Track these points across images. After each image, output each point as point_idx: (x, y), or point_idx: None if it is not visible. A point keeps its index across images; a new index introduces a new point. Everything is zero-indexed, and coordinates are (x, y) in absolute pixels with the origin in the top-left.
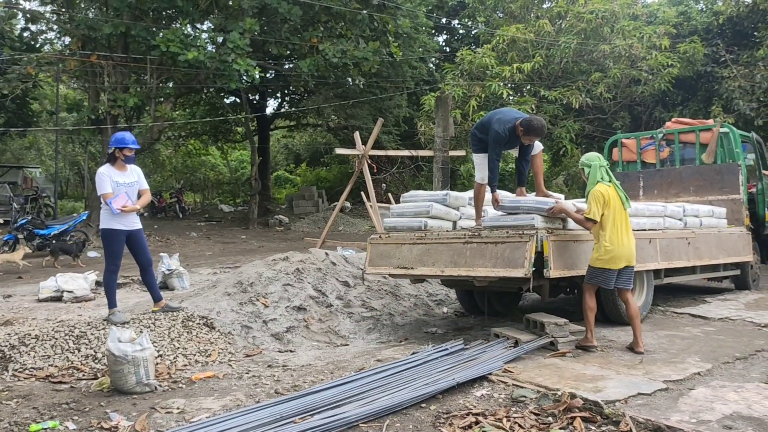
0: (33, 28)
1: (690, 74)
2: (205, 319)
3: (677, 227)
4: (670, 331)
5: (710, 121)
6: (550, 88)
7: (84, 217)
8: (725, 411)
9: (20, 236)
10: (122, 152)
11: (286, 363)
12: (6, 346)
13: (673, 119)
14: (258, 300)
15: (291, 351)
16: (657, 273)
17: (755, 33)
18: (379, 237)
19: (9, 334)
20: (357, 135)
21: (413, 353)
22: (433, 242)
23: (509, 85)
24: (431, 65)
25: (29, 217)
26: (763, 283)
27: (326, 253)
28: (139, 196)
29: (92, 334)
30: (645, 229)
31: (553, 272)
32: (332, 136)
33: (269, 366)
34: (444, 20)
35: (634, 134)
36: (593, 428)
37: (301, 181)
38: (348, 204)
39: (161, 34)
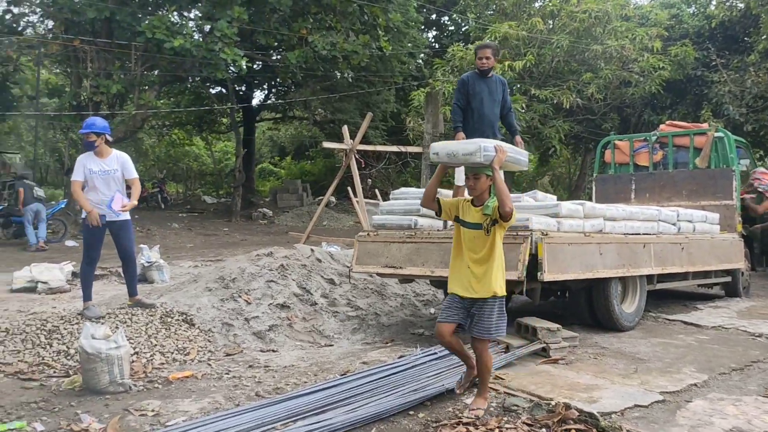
0: (15, 10)
1: (680, 77)
2: (184, 316)
3: (671, 232)
4: (663, 338)
5: (705, 125)
6: (540, 87)
7: (62, 205)
8: (725, 426)
9: None
10: (86, 137)
11: (268, 363)
12: None
13: (667, 122)
14: (240, 296)
15: (273, 351)
16: (650, 278)
17: (746, 38)
18: (367, 234)
19: None
20: (345, 129)
21: (400, 356)
22: (423, 241)
23: None
24: (420, 61)
25: (5, 204)
26: (753, 291)
27: (312, 250)
28: (128, 186)
29: (65, 328)
30: (639, 233)
31: (548, 275)
32: (318, 130)
33: (250, 366)
34: (434, 16)
35: (628, 136)
36: None
37: (286, 174)
38: (333, 199)
39: (147, 20)
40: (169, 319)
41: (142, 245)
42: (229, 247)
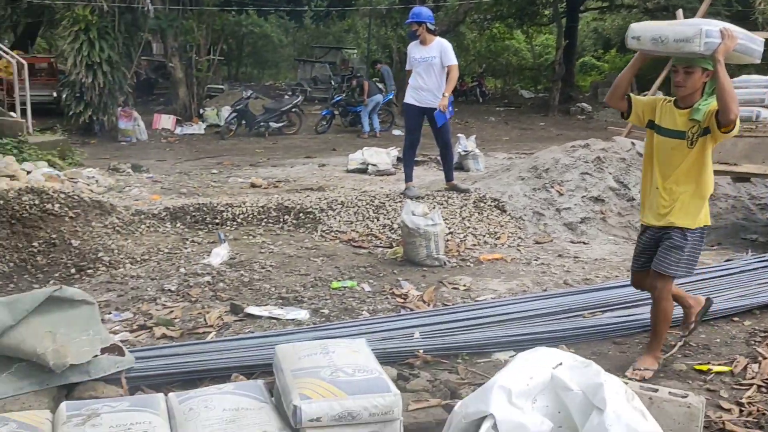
0: None
1: None
2: (496, 202)
3: None
4: None
5: None
6: None
7: (390, 97)
8: None
9: (336, 112)
10: (409, 27)
11: (578, 254)
12: (317, 209)
13: None
14: (552, 187)
15: (584, 243)
16: None
17: None
18: None
19: (320, 198)
20: (680, 13)
21: (727, 260)
22: (766, 136)
23: None
24: None
25: (344, 96)
26: None
27: (632, 143)
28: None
29: (390, 205)
30: None
31: None
32: (649, 18)
33: (559, 255)
34: None
35: None
36: None
37: (609, 68)
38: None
39: None
40: (482, 204)
41: (459, 135)
42: (543, 141)
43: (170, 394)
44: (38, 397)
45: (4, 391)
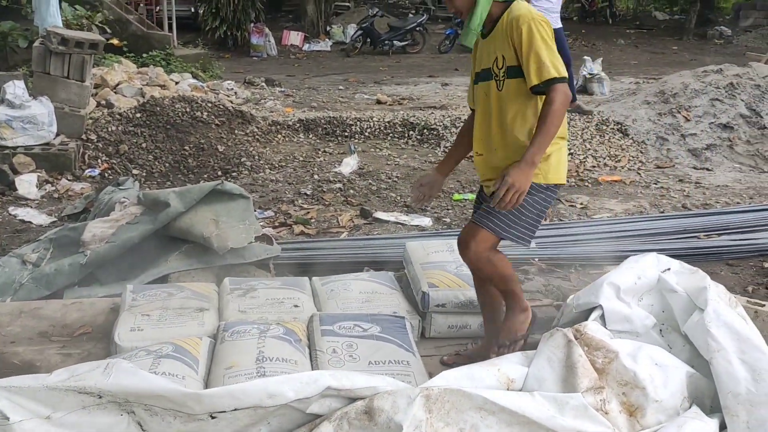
0: None
1: None
2: (619, 125)
3: None
4: None
5: None
6: None
7: None
8: None
9: (459, 31)
10: None
11: (700, 180)
12: (440, 125)
13: None
14: (679, 112)
15: (707, 169)
16: None
17: None
18: None
19: (443, 116)
20: None
21: None
22: None
23: None
24: None
25: None
26: None
27: None
28: None
29: None
30: None
31: None
32: None
33: (680, 180)
34: None
35: None
36: None
37: None
38: None
39: None
40: (604, 127)
41: (585, 57)
42: (675, 66)
43: (314, 278)
44: (204, 273)
45: (177, 266)
